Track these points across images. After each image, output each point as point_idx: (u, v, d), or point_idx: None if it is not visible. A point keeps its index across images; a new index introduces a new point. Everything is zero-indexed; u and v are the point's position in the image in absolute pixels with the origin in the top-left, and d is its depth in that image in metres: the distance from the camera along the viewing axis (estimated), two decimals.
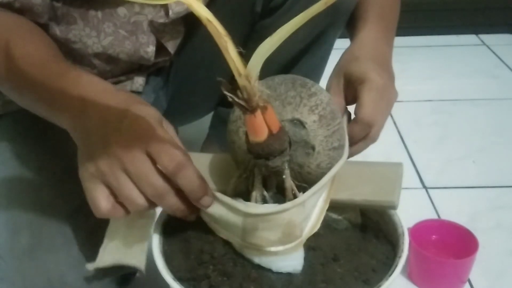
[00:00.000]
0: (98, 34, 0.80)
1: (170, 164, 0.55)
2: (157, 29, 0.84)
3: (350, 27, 0.88)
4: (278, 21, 0.88)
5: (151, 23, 0.83)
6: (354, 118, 0.72)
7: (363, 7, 0.86)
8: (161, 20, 0.83)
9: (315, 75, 0.99)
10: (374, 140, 0.74)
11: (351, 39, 0.84)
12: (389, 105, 0.74)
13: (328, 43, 0.94)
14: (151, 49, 0.85)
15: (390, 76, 0.78)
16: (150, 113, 0.58)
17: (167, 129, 0.58)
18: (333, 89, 0.76)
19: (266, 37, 0.89)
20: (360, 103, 0.71)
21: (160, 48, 0.87)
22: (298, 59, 0.94)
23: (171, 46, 0.89)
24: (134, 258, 0.63)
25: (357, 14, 0.87)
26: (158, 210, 0.70)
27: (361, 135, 0.72)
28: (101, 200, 0.56)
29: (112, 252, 0.63)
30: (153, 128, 0.56)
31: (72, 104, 0.60)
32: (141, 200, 0.56)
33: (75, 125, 0.60)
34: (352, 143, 0.71)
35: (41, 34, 0.71)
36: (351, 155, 0.70)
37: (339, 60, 0.79)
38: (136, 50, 0.84)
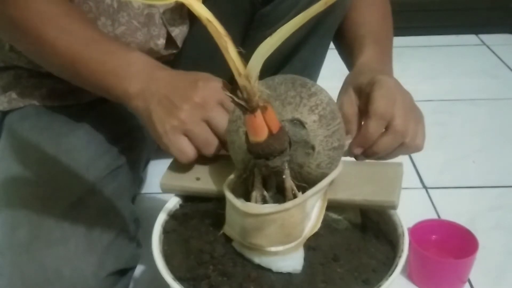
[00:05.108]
0: (112, 23, 0.83)
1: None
2: (168, 22, 0.87)
3: (347, 55, 0.89)
4: (277, 9, 0.89)
5: (163, 15, 0.86)
6: (367, 115, 0.71)
7: (359, 33, 0.87)
8: (170, 7, 0.85)
9: (316, 63, 1.01)
10: (414, 147, 0.72)
11: (350, 66, 0.85)
12: (405, 101, 0.72)
13: (327, 28, 0.94)
14: (161, 41, 0.88)
15: (399, 83, 0.77)
16: (214, 78, 0.70)
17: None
18: (345, 104, 0.75)
19: (265, 25, 0.91)
20: (371, 101, 0.70)
21: (168, 42, 0.89)
22: (298, 47, 0.95)
23: (179, 40, 0.91)
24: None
25: (353, 41, 0.87)
26: (158, 212, 0.70)
27: (378, 130, 0.70)
28: (187, 147, 0.68)
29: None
30: (218, 88, 0.68)
31: (139, 74, 0.71)
32: (216, 142, 0.68)
33: (144, 91, 0.70)
34: (387, 152, 0.71)
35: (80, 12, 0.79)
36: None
37: (343, 82, 0.79)
38: (146, 41, 0.86)
